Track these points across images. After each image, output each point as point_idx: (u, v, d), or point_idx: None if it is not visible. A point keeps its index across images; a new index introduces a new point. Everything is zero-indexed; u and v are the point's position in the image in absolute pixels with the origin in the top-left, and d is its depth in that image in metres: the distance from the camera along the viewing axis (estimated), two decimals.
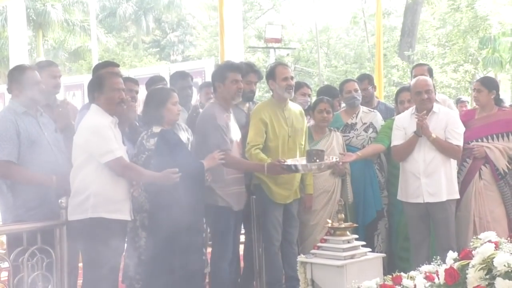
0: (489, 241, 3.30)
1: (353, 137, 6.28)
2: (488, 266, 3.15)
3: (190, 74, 6.88)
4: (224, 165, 5.23)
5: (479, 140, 5.91)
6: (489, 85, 6.05)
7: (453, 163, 5.72)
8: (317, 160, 5.10)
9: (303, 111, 5.91)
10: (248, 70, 5.89)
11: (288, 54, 26.83)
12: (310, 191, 5.83)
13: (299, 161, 5.26)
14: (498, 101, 6.20)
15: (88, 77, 5.56)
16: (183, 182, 4.71)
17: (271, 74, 5.66)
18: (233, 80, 5.33)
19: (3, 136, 4.57)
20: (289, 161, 5.22)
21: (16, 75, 4.82)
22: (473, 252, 3.29)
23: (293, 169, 5.15)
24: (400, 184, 5.82)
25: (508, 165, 5.86)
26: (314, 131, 6.08)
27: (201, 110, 6.30)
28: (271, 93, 5.84)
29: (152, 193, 4.81)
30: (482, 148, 5.86)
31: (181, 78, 6.60)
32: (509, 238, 3.42)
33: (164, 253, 4.69)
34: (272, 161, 5.24)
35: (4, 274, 5.78)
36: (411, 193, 5.68)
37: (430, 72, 6.73)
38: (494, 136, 5.93)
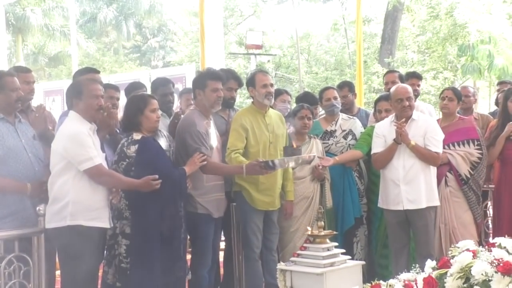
0: (467, 249, 3.32)
1: (332, 144, 6.30)
2: (466, 275, 3.17)
3: (171, 80, 6.85)
4: (203, 171, 5.22)
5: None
6: (459, 95, 6.23)
7: (433, 170, 5.74)
8: (294, 155, 5.13)
9: (283, 117, 5.92)
10: (228, 76, 5.90)
11: (269, 61, 26.83)
12: (291, 198, 5.83)
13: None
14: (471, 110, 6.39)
15: (68, 82, 5.51)
16: (164, 188, 4.70)
17: (251, 81, 5.67)
18: (213, 88, 5.32)
19: None
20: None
21: None
22: (451, 260, 3.30)
23: (270, 165, 5.10)
24: (380, 192, 5.84)
25: (470, 170, 5.95)
26: (294, 138, 6.07)
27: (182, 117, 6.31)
28: (252, 100, 5.84)
29: (132, 200, 4.78)
30: (445, 155, 5.91)
31: (162, 84, 6.56)
32: (477, 243, 3.45)
33: (147, 260, 4.67)
34: (250, 162, 5.24)
35: None
36: (391, 200, 5.70)
37: (401, 79, 6.80)
38: (455, 143, 6.02)
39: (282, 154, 5.36)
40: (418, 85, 6.97)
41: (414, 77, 7.05)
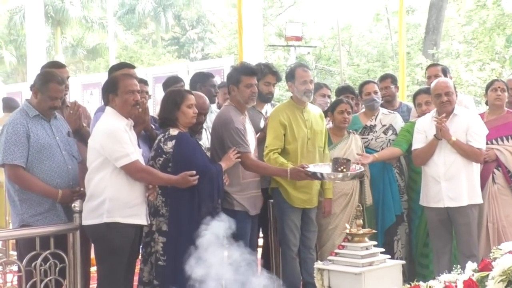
0: (510, 251, 3.28)
1: (372, 140, 6.28)
2: (508, 278, 3.12)
3: (211, 73, 6.89)
4: (245, 168, 5.27)
5: (489, 142, 5.85)
6: (508, 87, 6.11)
7: (476, 166, 5.66)
8: (344, 170, 5.12)
9: (322, 114, 5.92)
10: (266, 71, 5.90)
11: (309, 53, 26.76)
12: (330, 195, 5.84)
13: (323, 167, 5.29)
14: None
15: (106, 75, 5.58)
16: (201, 185, 4.76)
17: (291, 76, 5.69)
18: (247, 84, 5.34)
19: (13, 139, 4.60)
20: (312, 167, 5.24)
21: (43, 77, 4.85)
22: (492, 263, 3.26)
23: (318, 177, 5.18)
24: (422, 189, 5.80)
25: None
26: (333, 133, 6.08)
27: (216, 110, 6.35)
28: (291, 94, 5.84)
29: (169, 197, 4.82)
30: (492, 151, 5.84)
31: (201, 80, 6.60)
32: None
33: (185, 258, 4.70)
34: (296, 167, 5.26)
35: (12, 278, 5.83)
36: (432, 198, 5.66)
37: (444, 72, 6.70)
38: (504, 138, 5.92)
39: (329, 161, 5.38)
40: (386, 87, 6.76)
41: (388, 77, 6.94)
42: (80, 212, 4.64)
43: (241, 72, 5.40)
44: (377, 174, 6.13)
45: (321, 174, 5.14)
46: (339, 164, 5.14)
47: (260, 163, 5.42)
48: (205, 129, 5.77)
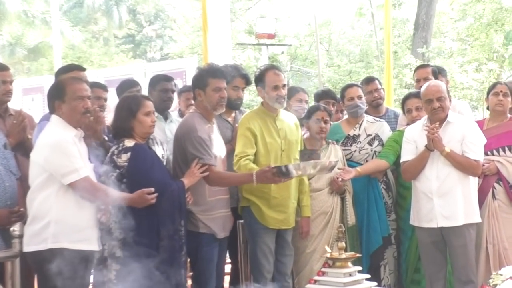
0: (511, 277, 3.31)
1: (355, 151, 6.34)
2: None
3: (165, 75, 6.87)
4: (208, 183, 5.27)
5: (489, 153, 5.90)
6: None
7: (473, 181, 5.69)
8: (312, 158, 5.17)
9: (298, 122, 5.95)
10: (234, 73, 5.95)
11: (283, 52, 26.86)
12: (307, 214, 5.86)
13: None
14: None
15: (50, 78, 5.54)
16: (160, 204, 4.76)
17: (260, 80, 5.70)
18: (216, 88, 5.36)
19: None
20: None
21: None
22: None
23: (283, 172, 5.06)
24: (412, 206, 5.83)
25: None
26: (309, 144, 6.08)
27: (177, 119, 6.35)
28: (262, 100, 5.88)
29: (123, 217, 4.80)
30: (493, 163, 5.88)
31: (158, 83, 6.59)
32: None
33: None
34: (261, 168, 5.26)
35: None
36: (424, 216, 5.68)
37: (435, 74, 6.78)
38: (506, 148, 5.95)
39: (298, 159, 5.40)
40: (374, 90, 6.89)
41: (375, 79, 7.06)
42: (21, 236, 4.59)
43: (208, 74, 5.41)
44: (360, 190, 6.19)
45: (286, 167, 5.08)
46: (306, 155, 5.20)
47: (223, 173, 5.43)
48: (153, 140, 5.77)
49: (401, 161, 5.87)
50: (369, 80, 7.01)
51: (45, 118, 5.12)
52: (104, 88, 5.88)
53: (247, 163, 5.43)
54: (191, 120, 5.36)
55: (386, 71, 9.81)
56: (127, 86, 6.61)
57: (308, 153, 5.26)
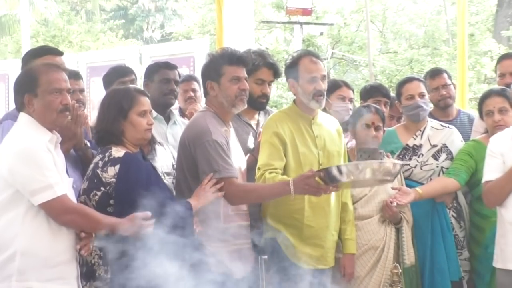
0: None
1: (415, 167, 6.35)
2: None
3: (168, 63, 6.85)
4: (229, 200, 5.28)
5: None
6: None
7: None
8: (373, 158, 5.07)
9: (340, 128, 5.96)
10: (258, 62, 5.97)
11: (322, 33, 26.80)
12: (352, 250, 5.88)
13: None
14: None
15: (16, 63, 5.57)
16: (160, 232, 4.74)
17: (293, 70, 5.71)
18: (233, 77, 5.37)
19: None
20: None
21: None
22: None
23: (333, 175, 4.88)
24: (496, 242, 5.77)
25: None
26: (355, 157, 6.10)
27: (183, 120, 6.36)
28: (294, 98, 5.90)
29: (112, 250, 4.82)
30: None
31: (158, 72, 6.58)
32: None
33: None
34: (301, 174, 5.15)
35: None
36: (511, 256, 5.63)
37: None
38: None
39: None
40: (442, 87, 6.90)
41: (443, 73, 7.05)
42: None
43: (224, 61, 5.41)
44: (423, 218, 6.19)
45: (339, 168, 4.90)
46: (366, 153, 5.13)
47: (248, 185, 5.45)
48: (160, 145, 5.80)
49: (483, 180, 5.79)
50: (436, 73, 6.99)
51: (10, 117, 5.15)
52: (75, 75, 5.86)
53: (274, 176, 5.42)
54: (203, 121, 5.35)
55: (459, 60, 9.77)
56: (116, 76, 6.67)
57: (369, 152, 5.16)
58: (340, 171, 4.88)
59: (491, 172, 5.74)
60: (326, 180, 4.96)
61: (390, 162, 5.10)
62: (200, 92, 7.28)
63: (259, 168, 5.53)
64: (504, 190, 5.64)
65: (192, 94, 7.22)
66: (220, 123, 5.40)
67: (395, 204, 5.87)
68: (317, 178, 4.99)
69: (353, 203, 5.93)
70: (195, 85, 7.38)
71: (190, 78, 7.18)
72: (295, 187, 5.06)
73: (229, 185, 5.21)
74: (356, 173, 4.90)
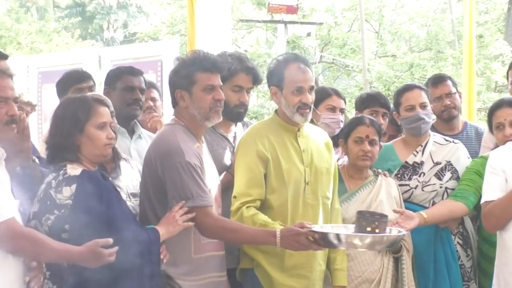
0: None
1: (416, 187, 6.37)
2: None
3: (139, 70, 6.85)
4: (203, 232, 5.27)
5: None
6: None
7: None
8: (376, 230, 5.04)
9: (330, 141, 5.98)
10: (236, 66, 5.98)
11: (309, 34, 26.87)
12: (343, 282, 5.87)
13: (337, 230, 5.22)
14: None
15: None
16: (122, 262, 4.74)
17: (277, 76, 5.72)
18: (207, 86, 5.36)
19: None
20: (318, 228, 5.14)
21: None
22: None
23: (330, 242, 4.95)
24: (498, 272, 5.77)
25: None
26: (348, 175, 6.15)
27: (149, 134, 6.35)
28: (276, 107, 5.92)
29: (66, 282, 4.82)
30: None
31: (120, 78, 6.58)
32: None
33: None
34: (290, 226, 5.17)
35: None
36: None
37: None
38: None
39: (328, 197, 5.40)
40: (445, 95, 6.99)
41: (447, 79, 7.12)
42: None
43: (196, 67, 5.40)
44: (424, 246, 6.22)
45: (338, 236, 4.94)
46: (368, 221, 5.12)
47: (229, 222, 5.39)
48: (126, 162, 5.80)
49: (482, 200, 5.82)
50: (439, 80, 7.04)
51: None
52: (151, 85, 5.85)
53: (254, 214, 5.42)
54: (173, 137, 5.32)
55: (466, 65, 9.81)
56: (72, 82, 6.68)
57: (371, 221, 5.14)
58: (339, 240, 4.94)
59: (491, 192, 5.74)
60: (320, 242, 5.01)
61: (396, 235, 5.10)
62: (160, 102, 7.31)
63: (235, 197, 5.52)
64: (506, 212, 5.62)
65: (151, 103, 7.22)
66: (191, 138, 5.39)
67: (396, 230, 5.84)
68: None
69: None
70: (155, 93, 7.43)
71: (148, 86, 7.12)
72: (282, 240, 5.07)
73: (205, 216, 5.19)
74: (355, 244, 4.98)
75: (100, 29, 38.32)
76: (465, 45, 10.00)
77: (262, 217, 5.40)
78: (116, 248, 4.68)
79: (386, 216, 5.14)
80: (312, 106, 5.76)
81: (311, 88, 5.70)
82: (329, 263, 5.82)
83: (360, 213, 5.17)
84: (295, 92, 5.63)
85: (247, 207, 5.44)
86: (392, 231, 5.15)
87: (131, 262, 4.81)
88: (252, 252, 5.58)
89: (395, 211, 5.88)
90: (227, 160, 5.98)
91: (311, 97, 5.69)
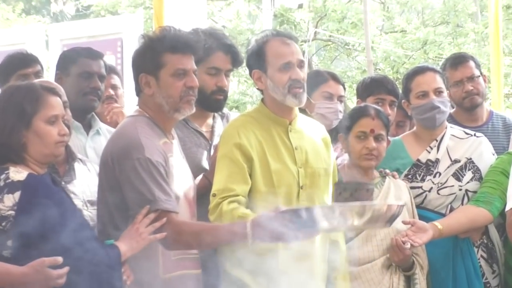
0: None
1: (430, 190, 6.40)
2: None
3: (98, 52, 6.84)
4: (165, 245, 5.26)
5: None
6: None
7: None
8: (357, 198, 5.14)
9: (327, 135, 6.00)
10: (212, 45, 5.99)
11: (301, 6, 26.90)
12: None
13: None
14: None
15: None
16: (75, 284, 4.75)
17: (257, 58, 5.73)
18: (178, 70, 5.36)
19: None
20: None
21: None
22: None
23: (303, 220, 4.74)
24: None
25: None
26: (349, 175, 6.14)
27: (108, 129, 6.36)
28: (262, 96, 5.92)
29: None
30: None
31: (75, 62, 6.58)
32: None
33: None
34: (263, 213, 5.00)
35: None
36: None
37: None
38: None
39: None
40: (467, 79, 7.00)
41: (469, 60, 7.14)
42: None
43: (164, 47, 5.40)
44: (441, 262, 6.27)
45: (310, 211, 4.71)
46: (349, 189, 5.13)
47: (193, 225, 5.42)
48: (82, 163, 5.81)
49: (507, 208, 5.88)
50: (459, 61, 7.03)
51: None
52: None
53: (235, 208, 5.39)
54: (133, 131, 5.31)
55: (491, 42, 9.83)
56: (15, 67, 6.68)
57: (353, 187, 5.19)
58: (311, 216, 4.72)
59: None
60: (294, 224, 4.83)
61: (383, 203, 5.14)
62: (122, 90, 7.30)
63: (214, 195, 5.49)
64: None
65: (111, 92, 7.19)
66: (157, 133, 5.39)
67: (408, 245, 5.83)
68: None
69: (347, 242, 5.92)
70: (116, 80, 7.40)
71: (109, 71, 7.06)
72: (254, 229, 4.91)
73: (167, 222, 5.14)
74: (332, 220, 4.77)
75: (47, 2, 38.28)
76: (490, 18, 10.02)
77: (243, 210, 5.34)
78: (66, 269, 4.69)
79: (368, 183, 5.18)
80: (305, 88, 5.70)
81: (301, 62, 5.69)
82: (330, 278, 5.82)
83: (336, 184, 5.34)
84: (282, 68, 5.60)
85: (230, 201, 5.40)
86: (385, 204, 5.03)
87: (85, 286, 4.82)
88: (237, 271, 5.51)
89: (404, 223, 5.88)
90: (203, 161, 5.99)
91: (302, 73, 5.65)
